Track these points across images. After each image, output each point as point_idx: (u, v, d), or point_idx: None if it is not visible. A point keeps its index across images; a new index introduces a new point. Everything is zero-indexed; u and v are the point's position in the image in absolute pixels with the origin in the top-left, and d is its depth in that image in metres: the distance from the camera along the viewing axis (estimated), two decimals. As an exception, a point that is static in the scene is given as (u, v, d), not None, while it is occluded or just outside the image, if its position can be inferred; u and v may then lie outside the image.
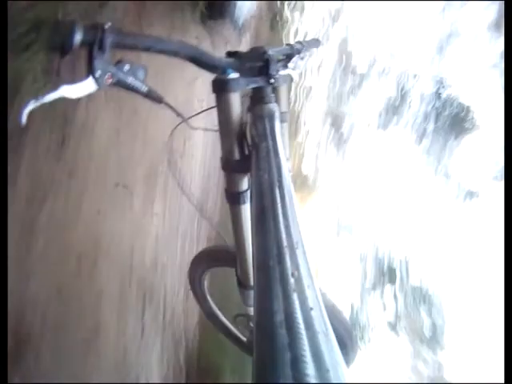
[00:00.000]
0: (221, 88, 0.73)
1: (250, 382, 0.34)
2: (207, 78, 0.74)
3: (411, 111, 2.69)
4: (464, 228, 2.62)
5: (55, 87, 0.54)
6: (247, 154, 0.77)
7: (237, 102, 0.74)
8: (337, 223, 2.45)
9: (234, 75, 0.72)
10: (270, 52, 0.77)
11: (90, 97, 0.60)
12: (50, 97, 0.54)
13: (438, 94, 2.75)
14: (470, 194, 2.76)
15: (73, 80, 0.56)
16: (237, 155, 0.77)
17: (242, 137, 0.76)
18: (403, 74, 2.70)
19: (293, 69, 0.88)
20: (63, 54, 0.55)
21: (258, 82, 0.76)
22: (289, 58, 0.88)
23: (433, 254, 2.54)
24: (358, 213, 2.44)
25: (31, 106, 0.52)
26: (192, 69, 0.70)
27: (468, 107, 2.73)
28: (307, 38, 1.01)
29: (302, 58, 0.89)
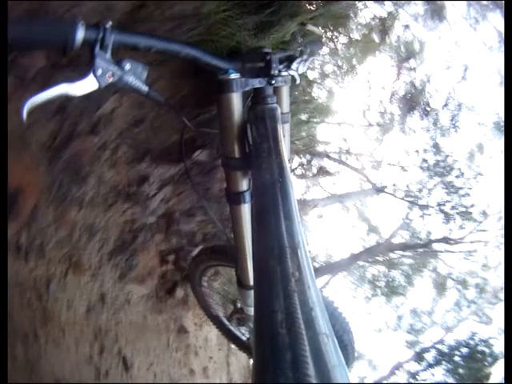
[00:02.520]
0: (222, 88, 0.73)
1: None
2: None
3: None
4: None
5: (54, 84, 0.53)
6: (248, 152, 0.77)
7: (238, 102, 0.74)
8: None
9: (235, 75, 0.73)
10: (272, 53, 0.77)
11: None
12: (50, 93, 0.53)
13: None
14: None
15: (73, 78, 0.56)
16: (237, 153, 0.77)
17: (243, 136, 0.76)
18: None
19: (295, 70, 0.88)
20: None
21: (259, 82, 0.76)
22: (291, 59, 0.88)
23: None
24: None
25: (31, 103, 0.52)
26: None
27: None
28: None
29: (304, 60, 0.90)
